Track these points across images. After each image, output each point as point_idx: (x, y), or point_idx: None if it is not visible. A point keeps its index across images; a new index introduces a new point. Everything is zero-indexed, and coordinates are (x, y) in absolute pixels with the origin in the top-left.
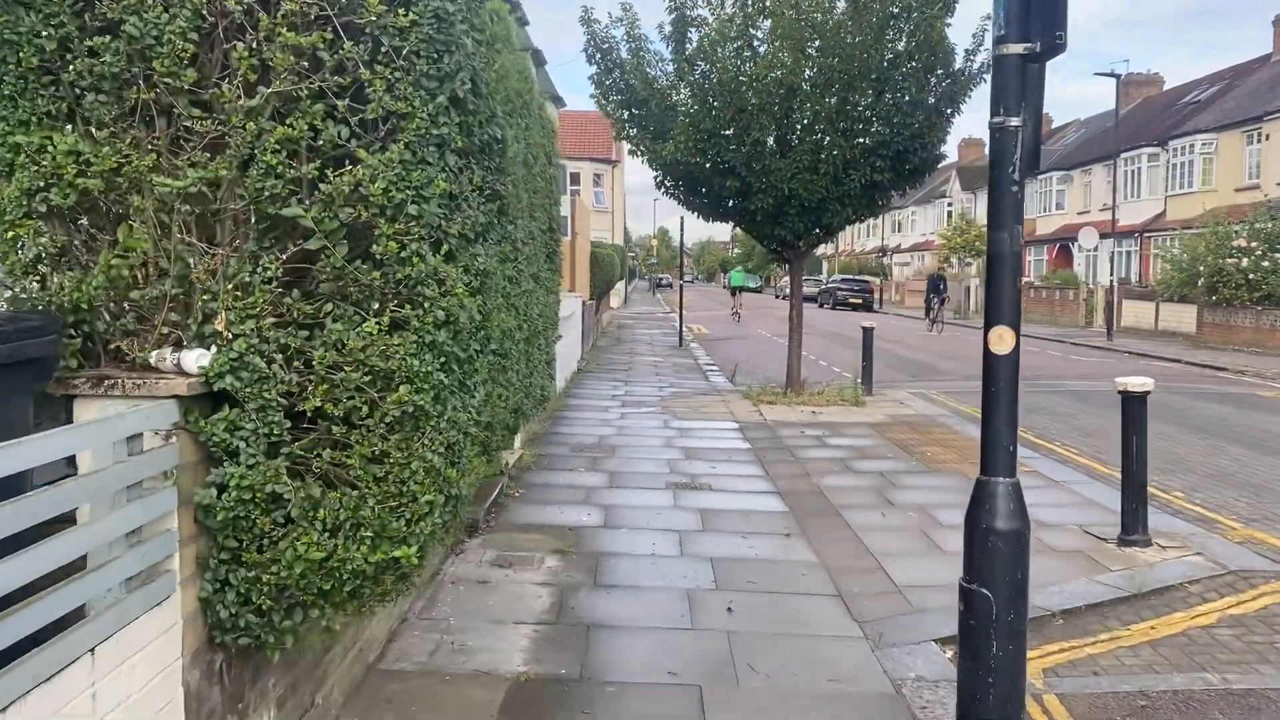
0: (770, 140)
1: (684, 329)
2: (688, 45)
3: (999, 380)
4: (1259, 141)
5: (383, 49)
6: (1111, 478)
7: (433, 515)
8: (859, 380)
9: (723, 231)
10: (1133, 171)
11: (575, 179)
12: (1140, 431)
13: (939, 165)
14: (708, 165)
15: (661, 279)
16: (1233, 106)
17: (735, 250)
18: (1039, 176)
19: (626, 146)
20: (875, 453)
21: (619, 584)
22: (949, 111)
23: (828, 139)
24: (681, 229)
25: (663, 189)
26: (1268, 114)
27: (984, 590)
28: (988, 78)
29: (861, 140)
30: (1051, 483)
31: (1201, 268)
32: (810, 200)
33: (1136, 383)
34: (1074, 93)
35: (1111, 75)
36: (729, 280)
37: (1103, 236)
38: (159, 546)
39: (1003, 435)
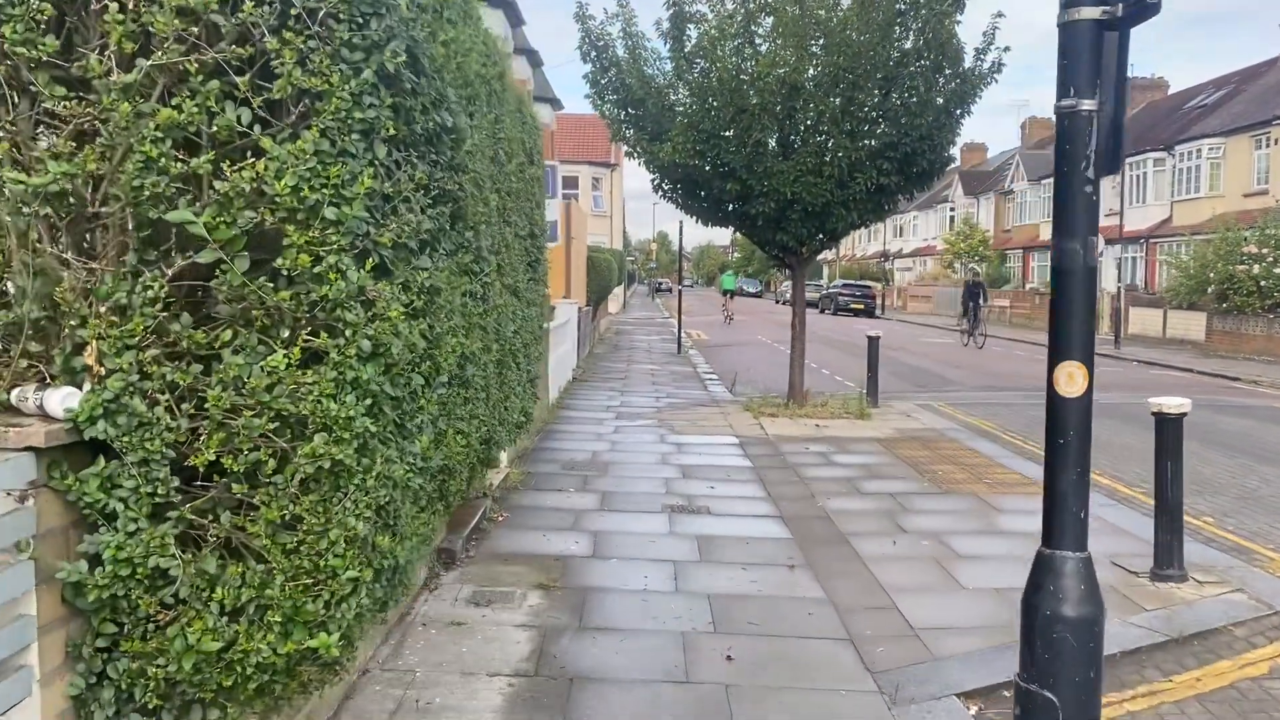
0: (772, 142)
1: (682, 335)
2: (686, 42)
3: (1068, 428)
4: (1268, 146)
5: (293, 11)
6: (1135, 500)
7: (358, 595)
8: (864, 392)
9: (722, 236)
10: (1138, 177)
11: (573, 183)
12: (1176, 457)
13: (946, 169)
14: (707, 168)
15: (661, 283)
16: (1240, 110)
17: (735, 254)
18: (1042, 182)
19: (624, 149)
20: (884, 472)
21: (607, 626)
22: (958, 112)
23: (832, 141)
24: (680, 233)
25: (660, 192)
26: (1276, 118)
27: (1046, 693)
28: (999, 77)
29: (868, 142)
30: None
31: (1211, 274)
32: (814, 204)
33: (1173, 404)
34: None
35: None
36: (721, 283)
37: (1108, 242)
38: (9, 637)
39: (1071, 498)
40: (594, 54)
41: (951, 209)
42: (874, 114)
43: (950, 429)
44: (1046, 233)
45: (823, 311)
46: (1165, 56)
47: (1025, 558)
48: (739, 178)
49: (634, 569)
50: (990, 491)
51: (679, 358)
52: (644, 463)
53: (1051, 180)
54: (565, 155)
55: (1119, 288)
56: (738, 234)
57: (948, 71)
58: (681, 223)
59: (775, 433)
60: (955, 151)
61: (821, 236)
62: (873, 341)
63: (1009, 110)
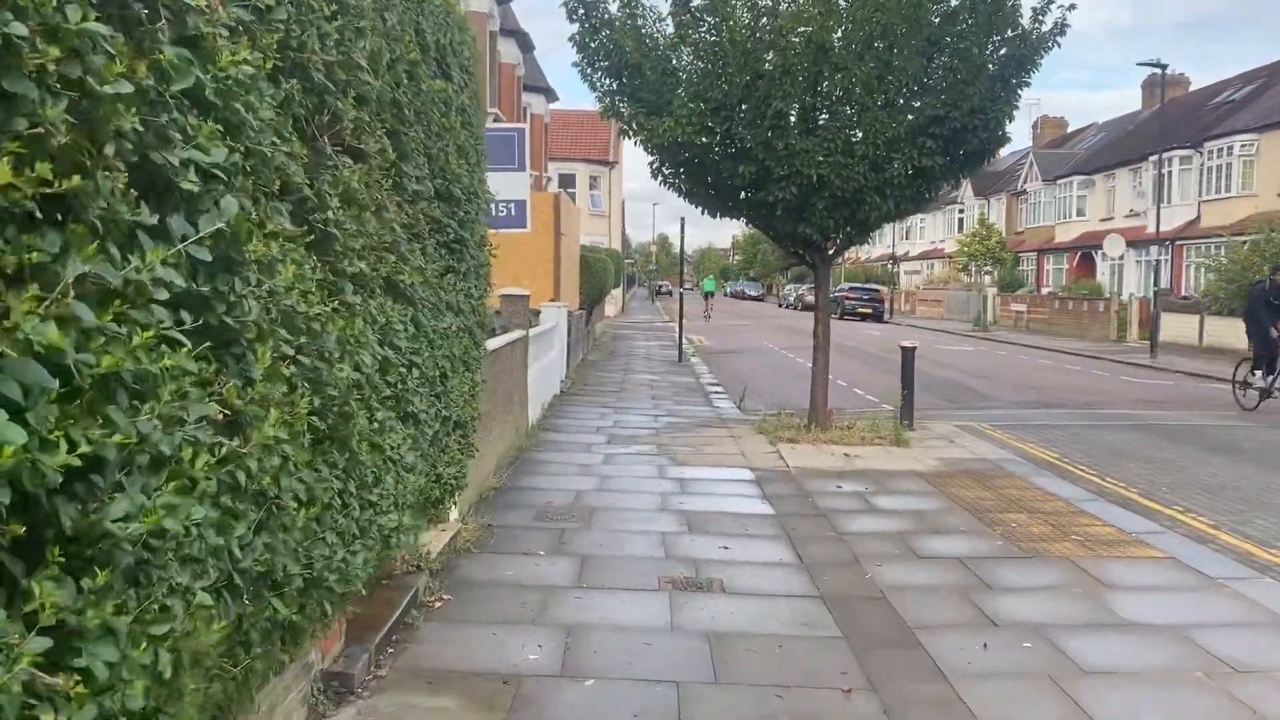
0: (793, 115)
1: (684, 341)
2: None
3: None
4: None
5: None
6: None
7: None
8: (899, 414)
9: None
10: (1163, 175)
11: (570, 181)
12: None
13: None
14: (716, 146)
15: (661, 286)
16: (1275, 104)
17: (736, 257)
18: (1058, 181)
19: (622, 134)
20: (941, 522)
21: None
22: (1014, 81)
23: (866, 113)
24: (682, 232)
25: (661, 178)
26: None
27: None
28: (1061, 40)
29: (907, 116)
30: (1205, 581)
31: (1256, 277)
32: (843, 190)
33: None
34: (1074, 101)
35: (1155, 66)
36: (702, 286)
37: (1130, 245)
38: None
39: None
40: (581, 11)
41: (961, 210)
42: (914, 83)
43: (1005, 459)
44: (1062, 234)
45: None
46: (1167, 60)
47: (1177, 670)
48: (754, 158)
49: (619, 696)
50: (1088, 555)
51: (680, 366)
52: (638, 508)
53: (1067, 180)
54: (562, 152)
55: (1155, 292)
56: (748, 228)
57: (1005, 35)
58: (683, 221)
59: (798, 464)
60: (1011, 129)
61: (850, 229)
62: (908, 353)
63: (1021, 109)
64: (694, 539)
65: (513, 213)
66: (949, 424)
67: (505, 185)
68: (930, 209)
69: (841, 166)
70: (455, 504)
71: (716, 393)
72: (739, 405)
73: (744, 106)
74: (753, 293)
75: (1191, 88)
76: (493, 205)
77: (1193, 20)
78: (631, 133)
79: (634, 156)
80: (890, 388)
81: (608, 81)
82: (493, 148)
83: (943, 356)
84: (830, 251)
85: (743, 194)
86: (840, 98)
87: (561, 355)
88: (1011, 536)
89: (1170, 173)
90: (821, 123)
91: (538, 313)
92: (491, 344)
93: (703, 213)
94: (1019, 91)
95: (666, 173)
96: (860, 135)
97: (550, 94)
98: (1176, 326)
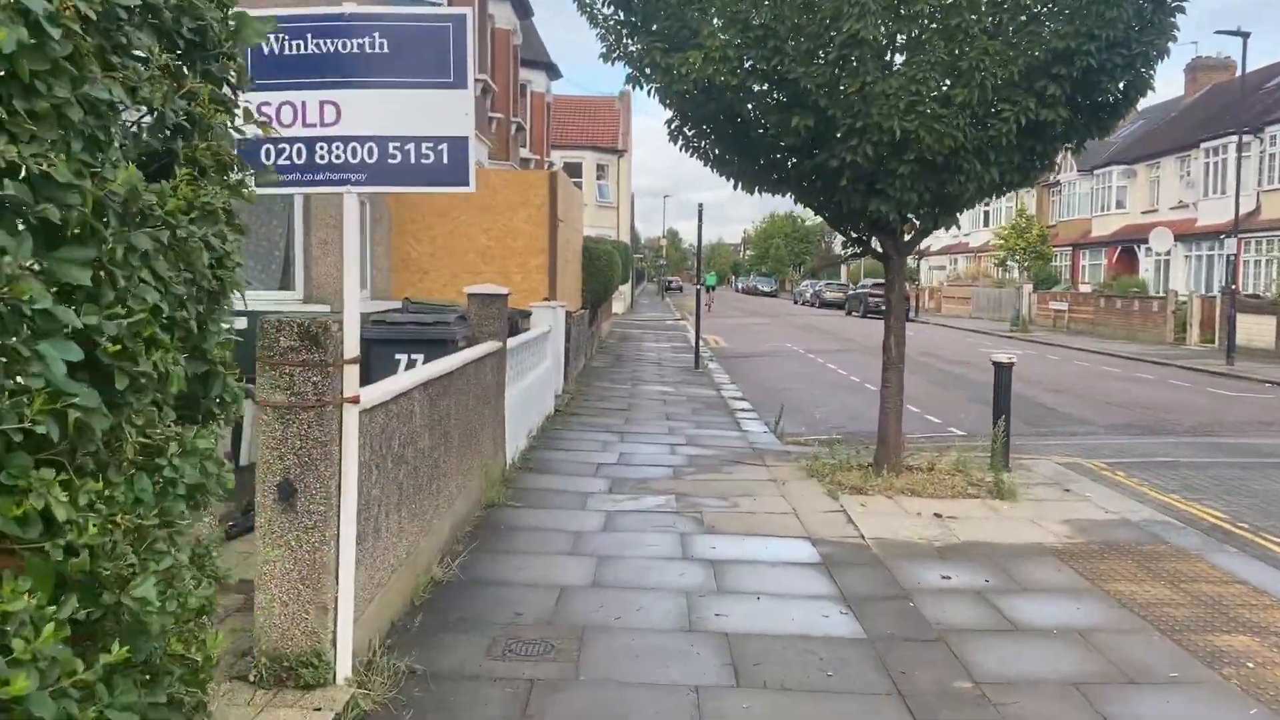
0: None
1: (700, 345)
2: None
3: None
4: None
5: None
6: None
7: None
8: (993, 454)
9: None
10: (1216, 164)
11: (576, 170)
12: None
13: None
14: (757, 90)
15: (671, 282)
16: None
17: (748, 253)
18: (1095, 172)
19: (631, 84)
20: (1129, 657)
21: None
22: (1171, 3)
23: (971, 44)
24: (700, 219)
25: (681, 140)
26: None
27: None
28: None
29: (1029, 52)
30: None
31: None
32: (936, 151)
33: None
34: None
35: (1238, 34)
36: (704, 281)
37: (1179, 239)
38: None
39: None
40: None
41: (987, 202)
42: (1035, 3)
43: (1155, 521)
44: (1099, 228)
45: (849, 314)
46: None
47: None
48: (812, 106)
49: None
50: None
51: (697, 374)
52: (653, 627)
53: (1105, 171)
54: (568, 139)
55: (1232, 289)
56: (797, 208)
57: None
58: (701, 208)
59: (876, 533)
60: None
61: (936, 208)
62: (1003, 373)
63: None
64: (746, 699)
65: (444, 159)
66: (1048, 459)
67: (429, 111)
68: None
69: (934, 119)
70: (334, 653)
71: (744, 411)
72: (774, 431)
73: (797, 42)
74: (765, 288)
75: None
76: (406, 146)
77: (1193, 21)
78: (644, 79)
79: (644, 146)
80: (951, 404)
81: (611, 9)
82: (401, 46)
83: (986, 362)
84: (907, 238)
85: (793, 159)
86: (935, 28)
87: (557, 365)
88: (1254, 687)
89: (1224, 160)
90: (899, 64)
91: (528, 315)
92: (435, 367)
93: (736, 187)
94: (1174, 21)
95: (689, 134)
96: (959, 76)
97: (553, 70)
98: (1247, 328)
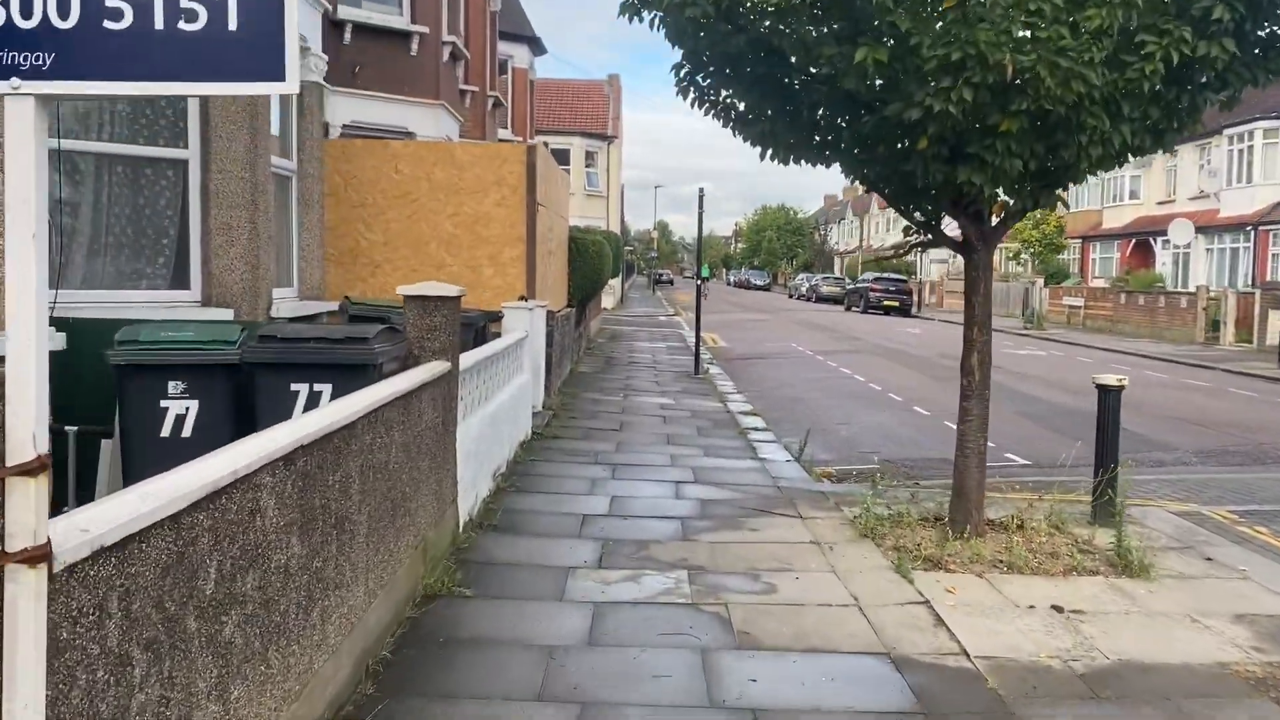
0: None
1: (700, 347)
2: None
3: None
4: None
5: None
6: None
7: None
8: (1095, 506)
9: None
10: (1240, 151)
11: (564, 156)
12: None
13: None
14: (804, 14)
15: (661, 275)
16: None
17: (740, 245)
18: None
19: (625, 11)
20: None
21: None
22: None
23: None
24: (700, 204)
25: (693, 91)
26: None
27: None
28: None
29: None
30: None
31: None
32: (1056, 100)
33: None
34: None
35: None
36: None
37: (1199, 230)
38: None
39: None
40: None
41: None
42: None
43: None
44: (1110, 220)
45: (849, 309)
46: None
47: None
48: (878, 35)
49: None
50: None
51: (698, 381)
52: None
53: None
54: (555, 124)
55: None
56: (853, 182)
57: None
58: (701, 192)
59: (982, 647)
60: None
61: (1041, 182)
62: (1110, 397)
63: None
64: None
65: (227, 21)
66: (1155, 506)
67: None
68: None
69: (1058, 52)
70: None
71: (757, 431)
72: (799, 459)
73: None
74: (759, 282)
75: None
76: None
77: None
78: (636, 7)
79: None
80: (998, 421)
81: None
82: None
83: (1016, 364)
84: (994, 222)
85: (846, 115)
86: None
87: (536, 377)
88: None
89: (1251, 147)
90: None
91: (499, 316)
92: (316, 421)
93: (764, 155)
94: None
95: (703, 83)
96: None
97: (537, 44)
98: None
